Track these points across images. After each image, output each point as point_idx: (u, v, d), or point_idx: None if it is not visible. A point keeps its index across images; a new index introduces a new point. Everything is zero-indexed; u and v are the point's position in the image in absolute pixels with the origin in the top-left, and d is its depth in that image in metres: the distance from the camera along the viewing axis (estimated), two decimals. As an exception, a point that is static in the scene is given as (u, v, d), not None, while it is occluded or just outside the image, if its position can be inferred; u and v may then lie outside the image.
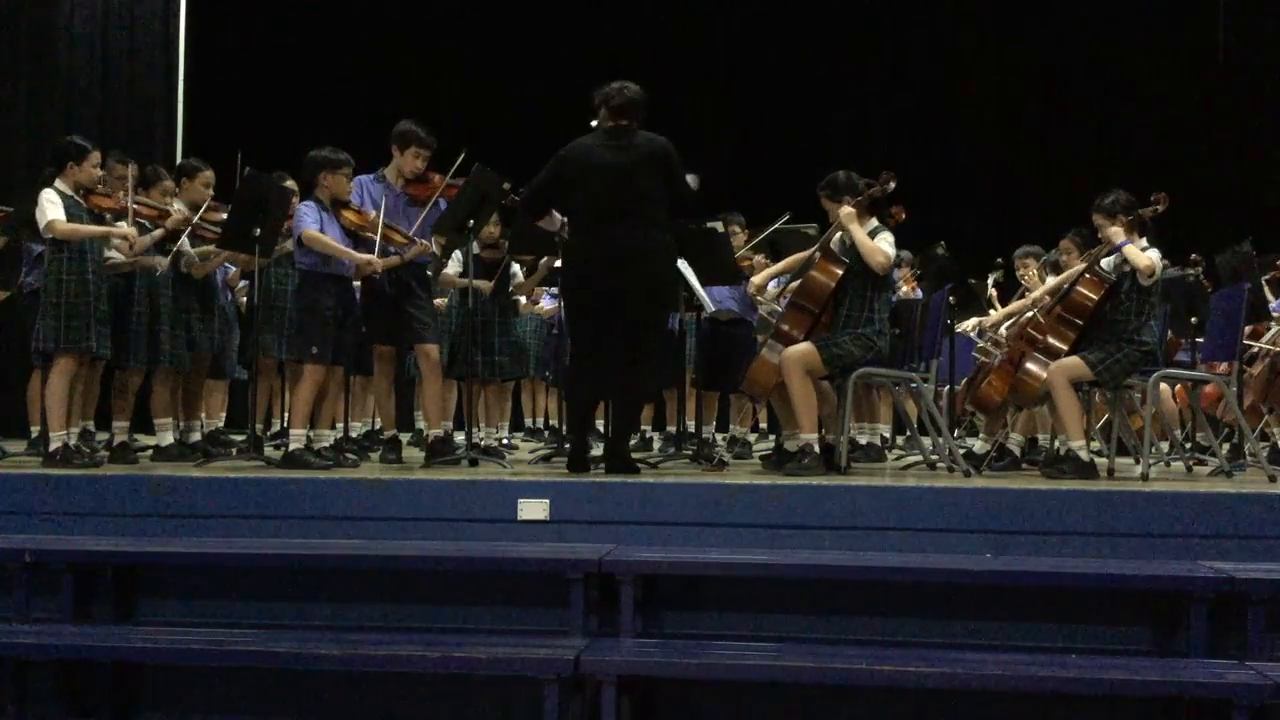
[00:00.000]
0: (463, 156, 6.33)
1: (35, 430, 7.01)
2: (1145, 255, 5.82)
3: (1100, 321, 6.03)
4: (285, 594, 4.83)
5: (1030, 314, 6.34)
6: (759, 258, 7.61)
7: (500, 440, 8.18)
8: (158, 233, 6.39)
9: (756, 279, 6.79)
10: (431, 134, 6.41)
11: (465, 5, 12.13)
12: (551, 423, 9.75)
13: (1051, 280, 6.83)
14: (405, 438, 7.23)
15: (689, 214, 6.02)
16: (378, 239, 6.15)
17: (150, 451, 6.71)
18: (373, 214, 6.24)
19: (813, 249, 6.48)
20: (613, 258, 5.58)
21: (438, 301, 7.33)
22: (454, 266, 7.52)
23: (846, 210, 6.02)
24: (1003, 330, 7.04)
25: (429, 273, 6.76)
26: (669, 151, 5.71)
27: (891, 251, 6.02)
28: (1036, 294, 6.88)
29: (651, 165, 5.65)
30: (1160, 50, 11.72)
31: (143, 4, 11.04)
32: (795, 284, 6.40)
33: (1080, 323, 6.04)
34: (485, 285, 7.40)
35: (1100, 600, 4.51)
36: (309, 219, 6.06)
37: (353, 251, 6.12)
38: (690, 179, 5.87)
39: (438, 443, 6.32)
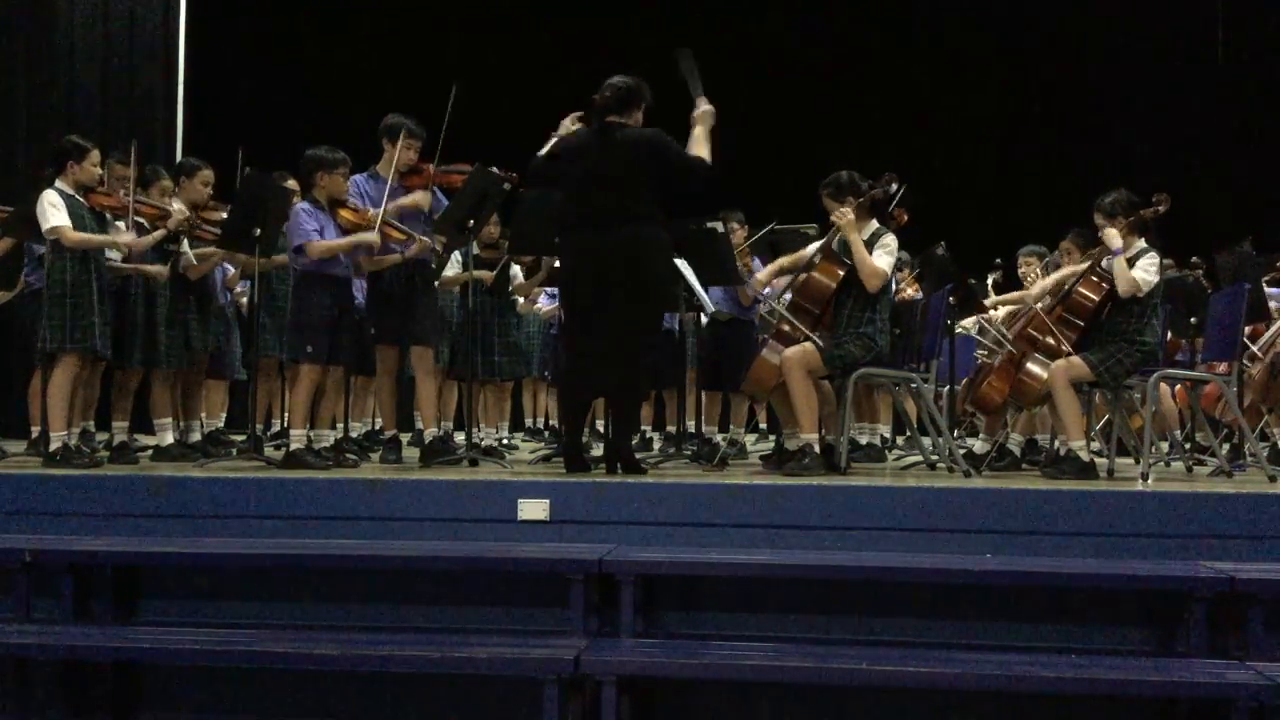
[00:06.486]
0: (453, 93, 6.23)
1: (35, 430, 7.01)
2: (1130, 275, 5.80)
3: (1101, 322, 6.03)
4: (285, 594, 4.83)
5: (1031, 310, 6.33)
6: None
7: (500, 440, 8.18)
8: (159, 233, 6.39)
9: (761, 275, 6.77)
10: (420, 124, 6.42)
11: (465, 5, 12.12)
12: (551, 423, 9.76)
13: (1049, 278, 6.83)
14: (405, 438, 7.23)
15: (706, 184, 5.70)
16: (375, 236, 6.16)
17: (150, 451, 6.71)
18: (371, 212, 6.25)
19: (816, 247, 6.48)
20: (603, 256, 5.55)
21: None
22: (453, 268, 7.51)
23: (846, 220, 6.01)
24: (1001, 313, 7.04)
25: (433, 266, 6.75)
26: (658, 141, 5.59)
27: (889, 264, 6.01)
28: (1035, 291, 6.88)
29: (639, 160, 5.56)
30: (1160, 50, 11.71)
31: (143, 4, 11.04)
32: (800, 278, 6.38)
33: (1081, 323, 6.04)
34: (487, 275, 7.39)
35: (1100, 600, 4.51)
36: (308, 227, 6.07)
37: (361, 235, 6.14)
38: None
39: (436, 442, 6.33)
